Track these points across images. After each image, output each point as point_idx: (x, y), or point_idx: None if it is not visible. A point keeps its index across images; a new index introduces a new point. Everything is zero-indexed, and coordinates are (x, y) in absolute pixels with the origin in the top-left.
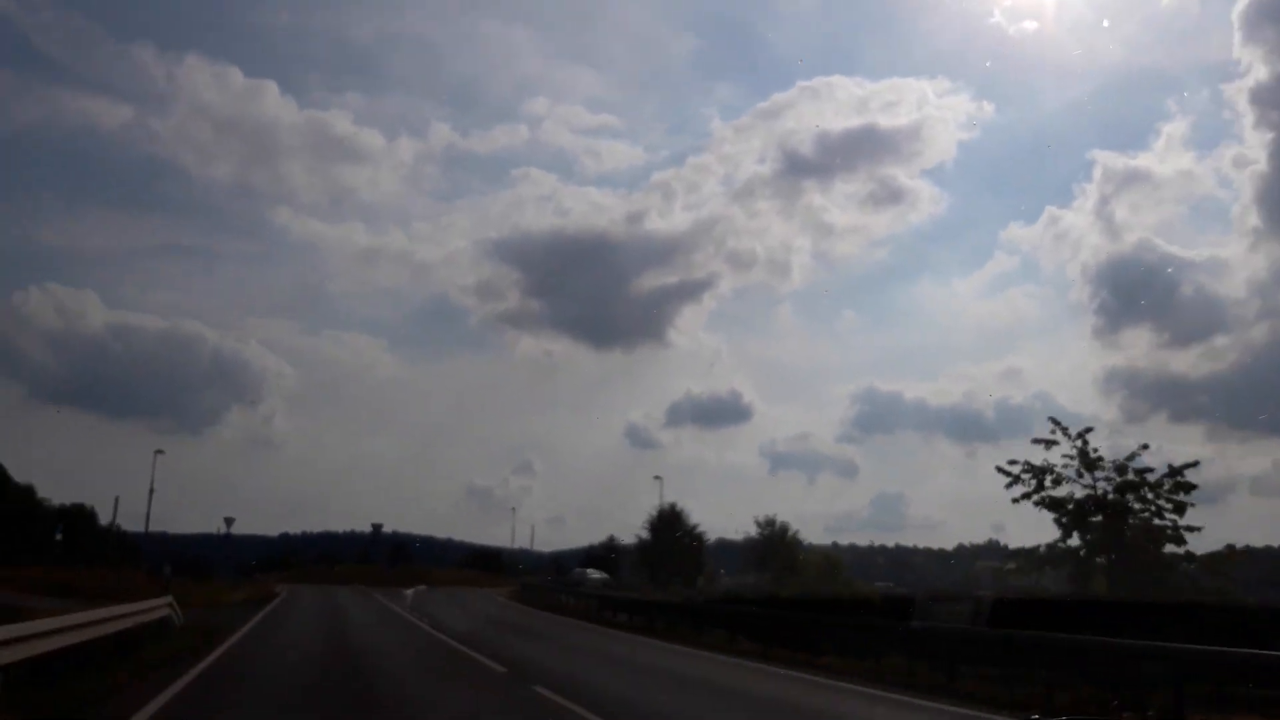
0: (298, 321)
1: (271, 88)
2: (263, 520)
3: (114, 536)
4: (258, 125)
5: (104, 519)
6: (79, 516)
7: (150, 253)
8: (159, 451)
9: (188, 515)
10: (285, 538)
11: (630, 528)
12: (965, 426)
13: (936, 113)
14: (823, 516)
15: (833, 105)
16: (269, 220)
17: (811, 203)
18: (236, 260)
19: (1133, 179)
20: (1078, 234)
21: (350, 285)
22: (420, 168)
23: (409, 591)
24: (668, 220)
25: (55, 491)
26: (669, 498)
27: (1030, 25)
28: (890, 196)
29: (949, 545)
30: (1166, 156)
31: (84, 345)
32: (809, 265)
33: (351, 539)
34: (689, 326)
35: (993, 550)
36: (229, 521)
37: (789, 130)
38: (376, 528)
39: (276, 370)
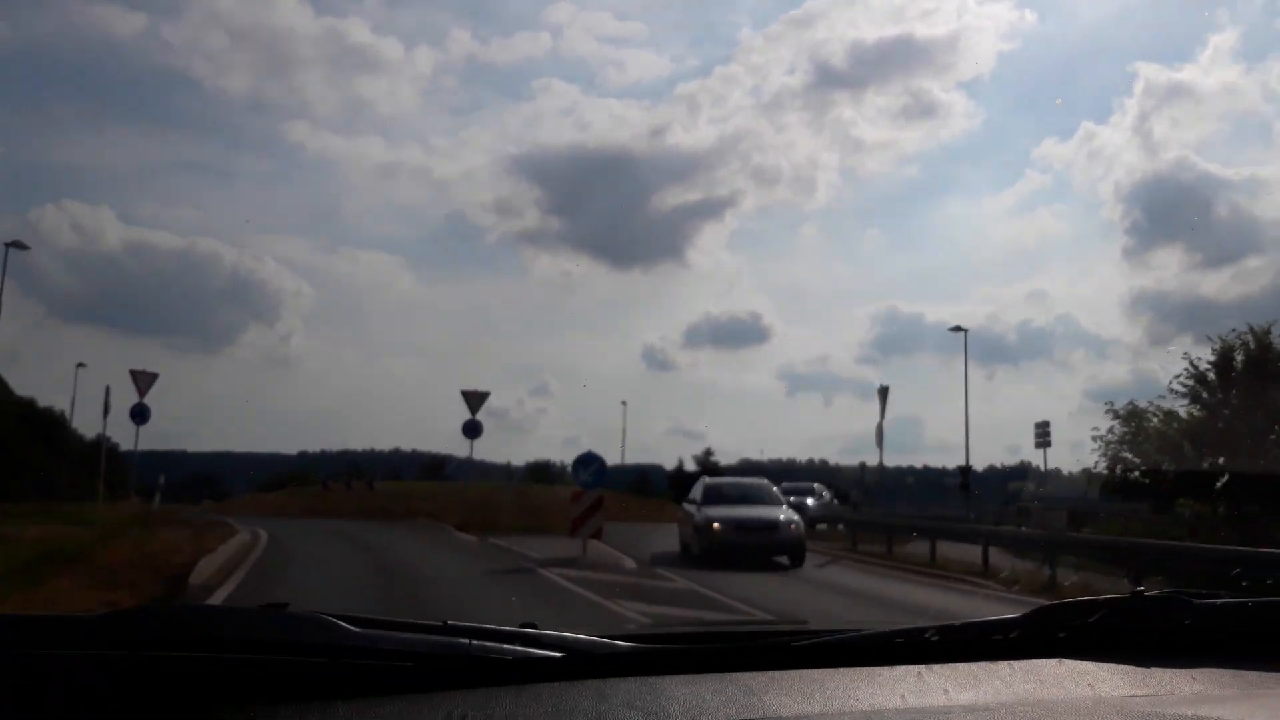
0: (315, 239)
1: None
2: (280, 439)
3: (103, 450)
4: (273, 33)
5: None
6: (47, 422)
7: (166, 168)
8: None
9: (203, 434)
10: (304, 455)
11: (648, 450)
12: (987, 349)
13: (976, 21)
14: (839, 438)
15: (867, 13)
16: (285, 135)
17: (841, 116)
18: (253, 176)
19: (1175, 93)
20: (1113, 150)
21: (368, 202)
22: (439, 79)
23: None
24: (692, 134)
25: (68, 409)
26: (686, 419)
27: None
28: (923, 110)
29: (977, 465)
30: (1212, 69)
31: (101, 262)
32: (835, 183)
33: (372, 457)
34: (709, 246)
35: (1024, 472)
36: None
37: (820, 40)
38: (473, 402)
39: (294, 289)
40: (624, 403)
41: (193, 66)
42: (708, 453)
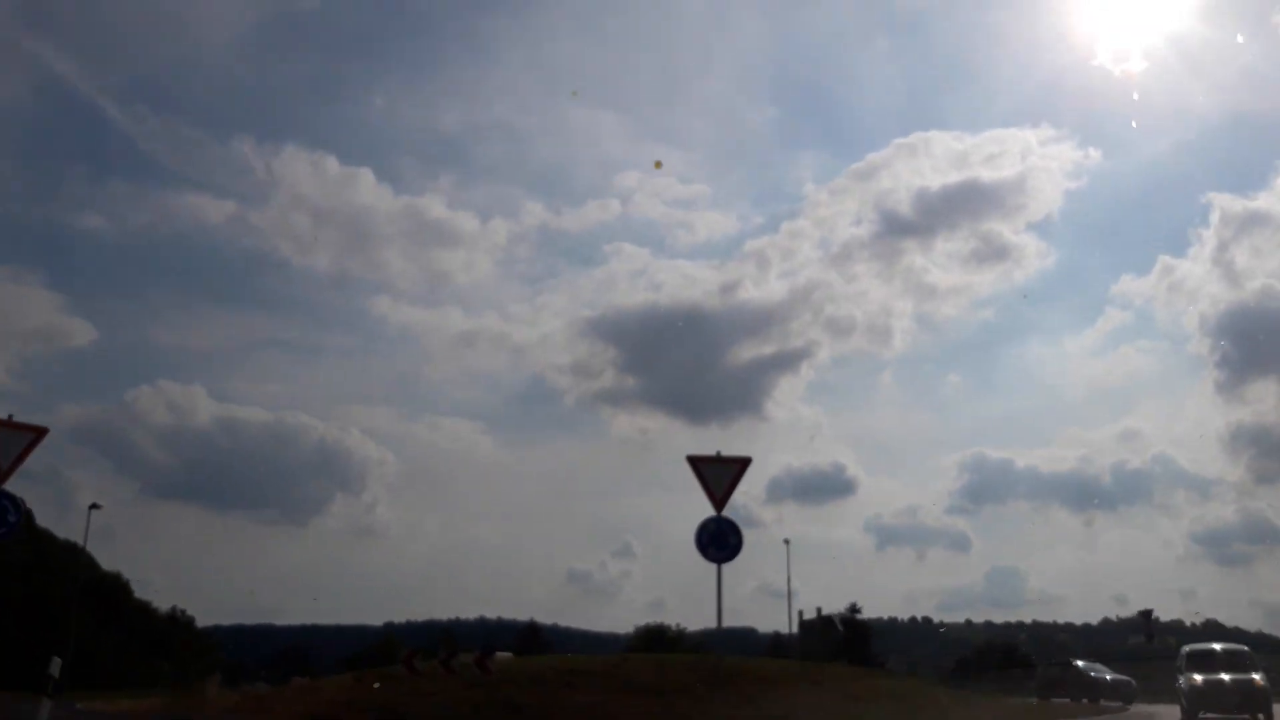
0: (398, 408)
1: (367, 175)
2: (366, 610)
3: (179, 624)
4: (354, 213)
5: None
6: (108, 590)
7: (255, 346)
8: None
9: (291, 607)
10: (390, 626)
11: (737, 612)
12: (1081, 494)
13: (1041, 163)
14: (934, 593)
15: (930, 160)
16: (368, 309)
17: (912, 264)
18: (338, 350)
19: (1252, 221)
20: (1194, 283)
21: (448, 370)
22: (514, 249)
23: None
24: (762, 289)
25: (161, 586)
26: (774, 578)
27: (1137, 65)
28: (995, 253)
29: (1076, 619)
30: None
31: (193, 440)
32: (910, 329)
33: (458, 626)
34: (787, 398)
35: (1141, 625)
36: None
37: (885, 190)
38: (718, 480)
39: (378, 458)
40: (787, 541)
41: (279, 248)
42: (852, 608)
